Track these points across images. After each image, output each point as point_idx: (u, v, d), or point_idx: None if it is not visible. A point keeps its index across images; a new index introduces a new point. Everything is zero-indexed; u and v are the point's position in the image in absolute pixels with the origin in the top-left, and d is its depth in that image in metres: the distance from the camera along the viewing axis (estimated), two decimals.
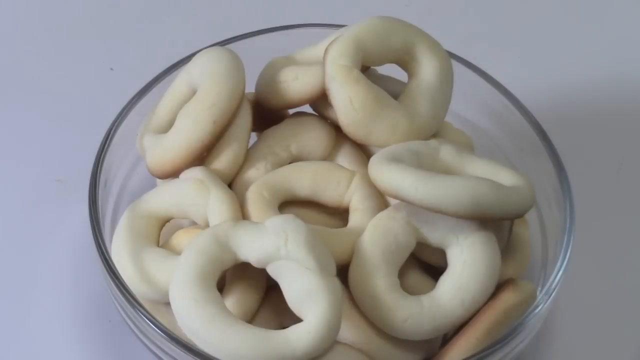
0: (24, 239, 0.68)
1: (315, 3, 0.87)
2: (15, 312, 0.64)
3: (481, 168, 0.56)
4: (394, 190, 0.53)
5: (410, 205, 0.54)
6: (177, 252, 0.56)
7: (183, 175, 0.57)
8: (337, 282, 0.51)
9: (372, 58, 0.59)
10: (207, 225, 0.55)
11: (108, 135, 0.60)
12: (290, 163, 0.60)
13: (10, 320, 0.64)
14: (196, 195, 0.55)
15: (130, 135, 0.62)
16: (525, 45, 0.86)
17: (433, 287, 0.55)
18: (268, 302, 0.55)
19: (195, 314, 0.49)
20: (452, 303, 0.53)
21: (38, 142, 0.75)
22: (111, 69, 0.81)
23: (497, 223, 0.57)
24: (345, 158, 0.61)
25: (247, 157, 0.59)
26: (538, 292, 0.56)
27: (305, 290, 0.50)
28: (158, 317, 0.52)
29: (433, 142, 0.57)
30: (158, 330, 0.51)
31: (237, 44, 0.65)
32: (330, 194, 0.57)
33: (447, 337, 0.56)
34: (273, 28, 0.68)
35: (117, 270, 0.54)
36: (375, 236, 0.54)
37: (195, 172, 0.57)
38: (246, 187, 0.57)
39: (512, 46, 0.85)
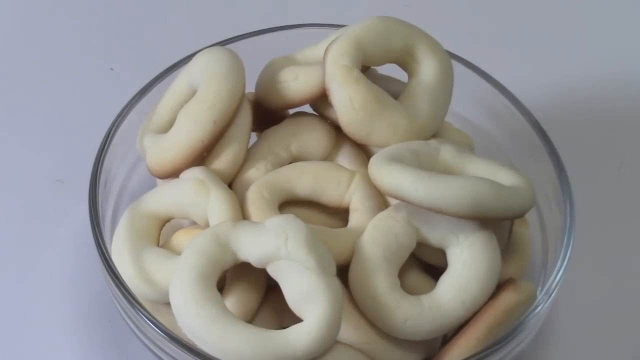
0: (24, 239, 0.68)
1: (315, 3, 0.87)
2: (16, 312, 0.64)
3: (481, 168, 0.56)
4: (394, 190, 0.53)
5: (410, 205, 0.54)
6: (177, 252, 0.56)
7: (183, 175, 0.57)
8: (337, 282, 0.51)
9: (372, 58, 0.59)
10: (207, 225, 0.55)
11: (108, 135, 0.60)
12: (290, 163, 0.60)
13: (10, 320, 0.64)
14: (196, 195, 0.55)
15: (130, 135, 0.62)
16: (525, 45, 0.86)
17: (433, 287, 0.55)
18: (268, 302, 0.55)
19: (195, 314, 0.49)
20: (452, 303, 0.53)
21: (38, 142, 0.75)
22: (111, 69, 0.81)
23: (497, 223, 0.57)
24: (345, 158, 0.61)
25: (247, 157, 0.59)
26: (538, 292, 0.56)
27: (306, 290, 0.50)
28: (158, 317, 0.52)
29: (433, 142, 0.57)
30: (158, 330, 0.51)
31: (237, 44, 0.65)
32: (330, 194, 0.57)
33: (447, 337, 0.56)
34: (273, 28, 0.68)
35: (117, 270, 0.54)
36: (376, 236, 0.54)
37: (196, 172, 0.57)
38: (246, 187, 0.57)
39: (512, 46, 0.85)
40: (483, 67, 0.66)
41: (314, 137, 0.60)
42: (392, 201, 0.57)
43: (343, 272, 0.54)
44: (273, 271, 0.51)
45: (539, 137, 0.61)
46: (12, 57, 0.83)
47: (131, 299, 0.52)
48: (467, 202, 0.51)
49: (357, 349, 0.53)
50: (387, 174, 0.53)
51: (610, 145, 0.77)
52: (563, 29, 0.88)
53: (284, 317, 0.54)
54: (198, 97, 0.57)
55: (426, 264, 0.57)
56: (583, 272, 0.64)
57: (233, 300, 0.53)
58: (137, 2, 0.89)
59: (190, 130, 0.57)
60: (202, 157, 0.58)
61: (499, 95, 0.64)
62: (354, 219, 0.57)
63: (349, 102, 0.56)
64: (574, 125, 0.78)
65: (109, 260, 0.54)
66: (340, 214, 0.58)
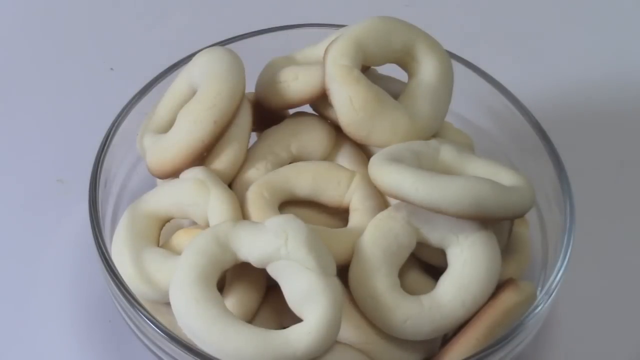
0: (24, 239, 0.68)
1: (315, 3, 0.87)
2: (15, 312, 0.64)
3: (481, 168, 0.56)
4: (394, 190, 0.53)
5: (410, 205, 0.54)
6: (177, 252, 0.56)
7: (183, 175, 0.57)
8: (337, 282, 0.51)
9: (372, 58, 0.59)
10: (207, 225, 0.55)
11: (108, 135, 0.60)
12: (290, 163, 0.60)
13: (10, 320, 0.64)
14: (196, 195, 0.55)
15: (130, 135, 0.62)
16: (525, 45, 0.86)
17: (433, 287, 0.55)
18: (268, 302, 0.55)
19: (195, 314, 0.49)
20: (452, 303, 0.53)
21: (38, 142, 0.75)
22: (111, 69, 0.81)
23: (497, 223, 0.57)
24: (345, 158, 0.61)
25: (247, 157, 0.59)
26: (538, 292, 0.56)
27: (306, 290, 0.50)
28: (158, 317, 0.52)
29: (433, 142, 0.57)
30: (158, 330, 0.51)
31: (237, 44, 0.65)
32: (330, 194, 0.57)
33: (447, 337, 0.56)
34: (273, 28, 0.68)
35: (117, 270, 0.54)
36: (376, 236, 0.54)
37: (196, 172, 0.57)
38: (246, 187, 0.57)
39: (512, 46, 0.85)
40: (483, 67, 0.66)
41: (314, 137, 0.60)
42: (392, 201, 0.57)
43: (343, 272, 0.54)
44: (273, 271, 0.51)
45: (539, 137, 0.61)
46: (12, 57, 0.83)
47: (131, 299, 0.52)
48: (468, 202, 0.51)
49: (357, 349, 0.53)
50: (387, 174, 0.53)
51: (610, 145, 0.77)
52: (563, 29, 0.88)
53: (284, 317, 0.54)
54: (198, 97, 0.57)
55: (426, 264, 0.57)
56: (583, 272, 0.64)
57: (233, 300, 0.53)
58: (137, 2, 0.89)
59: (191, 130, 0.57)
60: (202, 157, 0.58)
61: (499, 95, 0.64)
62: (354, 219, 0.57)
63: (349, 102, 0.56)
64: (574, 125, 0.77)
65: (109, 261, 0.54)
66: (340, 214, 0.58)
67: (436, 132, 0.60)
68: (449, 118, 0.61)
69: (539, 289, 0.57)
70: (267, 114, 0.62)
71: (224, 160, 0.58)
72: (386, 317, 0.53)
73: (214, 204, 0.55)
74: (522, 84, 0.68)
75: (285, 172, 0.58)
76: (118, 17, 0.87)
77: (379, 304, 0.53)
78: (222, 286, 0.54)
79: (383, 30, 0.58)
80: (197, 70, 0.59)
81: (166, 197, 0.57)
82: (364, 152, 0.61)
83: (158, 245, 0.58)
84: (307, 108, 0.62)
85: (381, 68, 0.62)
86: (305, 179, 0.57)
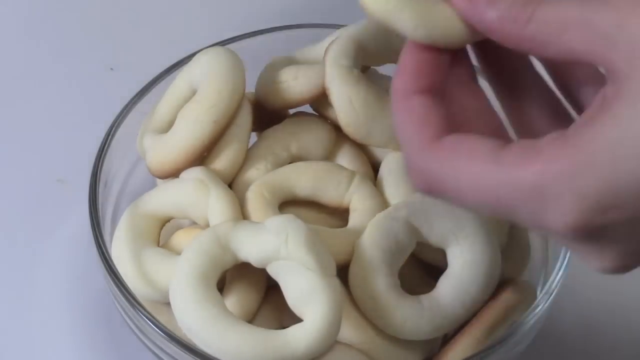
0: (24, 239, 0.68)
1: (315, 3, 0.87)
2: (16, 312, 0.64)
3: None
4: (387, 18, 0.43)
5: (410, 205, 0.54)
6: (177, 252, 0.56)
7: (183, 175, 0.57)
8: (337, 282, 0.51)
9: (372, 58, 0.59)
10: (207, 225, 0.55)
11: (108, 135, 0.60)
12: (290, 163, 0.60)
13: (10, 320, 0.64)
14: (196, 195, 0.55)
15: (130, 135, 0.62)
16: None
17: (433, 287, 0.55)
18: (268, 302, 0.55)
19: (195, 314, 0.49)
20: (452, 303, 0.53)
21: (38, 142, 0.75)
22: (111, 69, 0.81)
23: (497, 223, 0.57)
24: (345, 158, 0.61)
25: (247, 157, 0.59)
26: (538, 292, 0.57)
27: (305, 290, 0.50)
28: (158, 317, 0.52)
29: None
30: (158, 330, 0.51)
31: (237, 44, 0.65)
32: (330, 194, 0.57)
33: (447, 336, 0.56)
34: (273, 28, 0.68)
35: (117, 270, 0.54)
36: (376, 236, 0.54)
37: (196, 172, 0.57)
38: (246, 187, 0.57)
39: None
40: None
41: (314, 137, 0.60)
42: (392, 201, 0.57)
43: (343, 272, 0.54)
44: (273, 271, 0.51)
45: None
46: (12, 57, 0.83)
47: (131, 299, 0.52)
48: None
49: (357, 349, 0.53)
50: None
51: None
52: None
53: (284, 317, 0.54)
54: (198, 97, 0.57)
55: (426, 264, 0.57)
56: (583, 272, 0.64)
57: (233, 300, 0.53)
58: (137, 2, 0.89)
59: (191, 130, 0.57)
60: (202, 157, 0.58)
61: None
62: (354, 219, 0.57)
63: (349, 102, 0.56)
64: None
65: (109, 260, 0.54)
66: (340, 214, 0.58)
67: None
68: None
69: (539, 289, 0.57)
70: (267, 114, 0.62)
71: (224, 160, 0.58)
72: (386, 317, 0.53)
73: (214, 204, 0.55)
74: None
75: (285, 172, 0.58)
76: (118, 17, 0.87)
77: (379, 304, 0.53)
78: (222, 286, 0.54)
79: (383, 30, 0.58)
80: (197, 70, 0.59)
81: (166, 197, 0.57)
82: (364, 152, 0.61)
83: (158, 245, 0.58)
84: (307, 108, 0.62)
85: (381, 68, 0.62)
86: (306, 179, 0.57)
